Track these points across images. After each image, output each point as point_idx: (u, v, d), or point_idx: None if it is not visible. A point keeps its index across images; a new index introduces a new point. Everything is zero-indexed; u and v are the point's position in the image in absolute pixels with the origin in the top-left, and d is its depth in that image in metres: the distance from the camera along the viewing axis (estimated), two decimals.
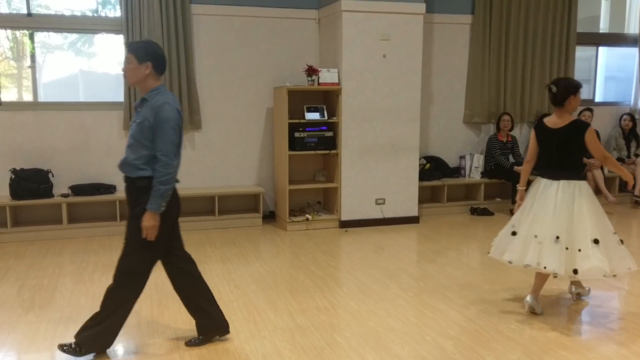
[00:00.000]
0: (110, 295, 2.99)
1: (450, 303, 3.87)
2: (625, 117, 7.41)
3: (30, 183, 5.60)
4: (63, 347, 3.02)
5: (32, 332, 3.41)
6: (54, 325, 3.52)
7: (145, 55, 2.91)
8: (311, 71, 5.82)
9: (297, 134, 5.90)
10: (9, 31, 5.90)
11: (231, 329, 3.42)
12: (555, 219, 3.45)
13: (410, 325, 3.49)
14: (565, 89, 3.56)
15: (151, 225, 2.88)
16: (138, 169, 2.90)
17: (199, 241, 5.55)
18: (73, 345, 3.02)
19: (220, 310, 3.25)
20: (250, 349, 3.18)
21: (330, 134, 6.00)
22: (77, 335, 3.02)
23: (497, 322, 3.53)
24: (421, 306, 3.82)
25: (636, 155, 7.29)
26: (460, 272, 4.60)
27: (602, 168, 6.94)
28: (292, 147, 5.89)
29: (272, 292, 4.10)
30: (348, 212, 6.05)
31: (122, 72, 3.01)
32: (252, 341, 3.27)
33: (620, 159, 7.34)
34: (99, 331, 2.99)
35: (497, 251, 3.74)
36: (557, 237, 3.41)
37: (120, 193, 5.91)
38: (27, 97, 6.01)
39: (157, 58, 2.95)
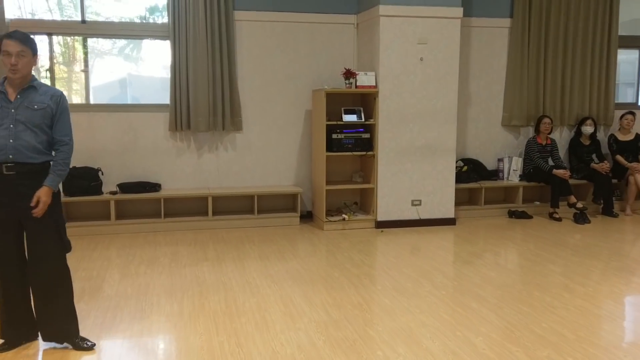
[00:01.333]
0: (65, 282, 3.15)
1: (483, 302, 3.92)
2: None
3: (82, 180, 5.92)
4: (81, 346, 3.22)
5: (82, 318, 3.62)
6: (102, 312, 3.75)
7: (36, 49, 3.03)
8: (349, 74, 5.95)
9: (334, 136, 6.03)
10: (60, 37, 6.24)
11: (268, 320, 3.59)
12: None
13: (442, 321, 3.57)
14: None
15: (47, 201, 2.97)
16: (41, 154, 3.00)
17: (238, 239, 5.74)
18: (80, 342, 3.21)
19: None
20: (286, 338, 3.32)
21: (367, 135, 6.11)
22: (71, 338, 3.21)
23: (529, 321, 3.57)
24: (454, 304, 3.88)
25: None
26: (496, 273, 4.62)
27: None
28: (329, 148, 6.03)
29: (308, 288, 4.24)
30: (384, 212, 6.13)
31: (12, 65, 2.91)
32: (287, 332, 3.42)
33: None
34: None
35: None
36: None
37: (166, 191, 6.17)
38: (76, 99, 6.34)
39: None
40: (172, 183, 6.34)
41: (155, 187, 6.18)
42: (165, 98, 6.23)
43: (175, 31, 6.00)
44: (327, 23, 6.43)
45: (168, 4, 6.01)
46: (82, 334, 3.28)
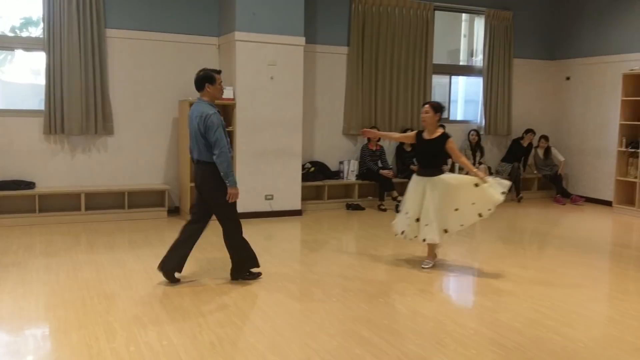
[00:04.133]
0: None
1: (299, 262, 5.15)
2: (472, 132, 9.11)
3: None
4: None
5: None
6: None
7: None
8: None
9: None
10: None
11: (131, 282, 4.53)
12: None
13: (270, 275, 4.73)
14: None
15: None
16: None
17: (110, 229, 6.50)
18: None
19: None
20: (145, 291, 4.29)
21: None
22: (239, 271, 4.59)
23: (329, 270, 4.85)
24: (272, 265, 5.06)
25: (479, 163, 8.99)
26: (319, 245, 5.90)
27: (450, 173, 8.55)
28: None
29: None
30: (242, 205, 7.13)
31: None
32: (146, 288, 4.39)
33: None
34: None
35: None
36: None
37: (40, 189, 6.77)
38: None
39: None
40: (47, 182, 6.93)
41: (30, 185, 6.75)
42: (35, 104, 6.84)
43: (50, 44, 6.67)
44: (193, 43, 7.44)
45: (43, 20, 6.66)
46: None
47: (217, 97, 4.58)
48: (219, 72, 4.57)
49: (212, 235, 6.19)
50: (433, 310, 4.14)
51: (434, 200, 4.89)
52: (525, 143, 9.32)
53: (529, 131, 9.30)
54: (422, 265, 5.10)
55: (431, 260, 5.15)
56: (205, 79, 4.47)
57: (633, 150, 8.21)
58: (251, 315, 3.90)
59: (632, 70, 8.27)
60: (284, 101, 7.31)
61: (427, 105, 5.14)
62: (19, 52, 7.05)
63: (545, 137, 9.36)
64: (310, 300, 4.20)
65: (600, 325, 3.90)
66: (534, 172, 9.48)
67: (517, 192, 9.05)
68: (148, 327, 3.62)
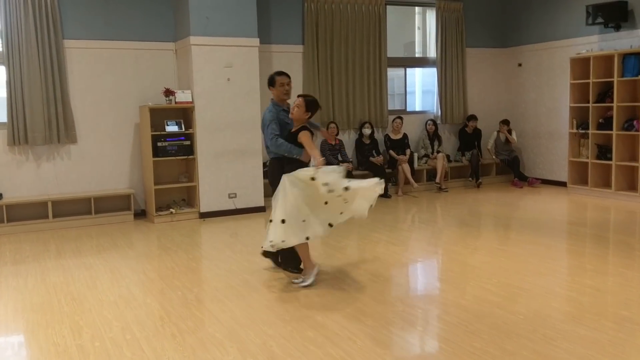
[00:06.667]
0: None
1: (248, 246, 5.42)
2: (429, 122, 9.44)
3: None
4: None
5: None
6: None
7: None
8: (168, 92, 7.19)
9: (159, 144, 7.21)
10: None
11: (97, 283, 4.73)
12: None
13: (230, 260, 4.97)
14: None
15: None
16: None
17: (77, 235, 6.66)
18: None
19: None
20: (111, 292, 4.50)
21: (187, 142, 7.38)
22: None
23: (264, 263, 5.10)
24: (242, 259, 5.31)
25: (438, 152, 9.34)
26: None
27: (409, 162, 8.88)
28: (155, 154, 7.20)
29: (133, 261, 5.42)
30: (206, 205, 7.44)
31: (287, 91, 4.83)
32: (112, 288, 4.59)
33: (426, 155, 9.36)
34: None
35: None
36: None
37: (7, 199, 6.88)
38: None
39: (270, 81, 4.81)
40: (14, 192, 7.03)
41: None
42: (2, 117, 6.95)
43: (10, 58, 6.78)
44: (150, 49, 7.60)
45: (1, 34, 6.77)
46: None
47: (282, 98, 4.85)
48: (280, 73, 4.91)
49: (182, 237, 6.43)
50: (385, 293, 4.44)
51: (297, 197, 4.44)
52: (469, 130, 9.65)
53: (471, 118, 9.63)
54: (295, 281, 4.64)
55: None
56: (268, 83, 4.92)
57: (583, 131, 8.60)
58: (211, 308, 4.15)
59: (578, 54, 8.66)
60: (242, 101, 7.53)
61: (300, 99, 4.62)
62: None
63: (505, 122, 9.69)
64: (269, 292, 4.46)
65: (541, 298, 4.19)
66: (492, 157, 9.83)
67: (476, 178, 9.42)
68: (113, 324, 3.84)
